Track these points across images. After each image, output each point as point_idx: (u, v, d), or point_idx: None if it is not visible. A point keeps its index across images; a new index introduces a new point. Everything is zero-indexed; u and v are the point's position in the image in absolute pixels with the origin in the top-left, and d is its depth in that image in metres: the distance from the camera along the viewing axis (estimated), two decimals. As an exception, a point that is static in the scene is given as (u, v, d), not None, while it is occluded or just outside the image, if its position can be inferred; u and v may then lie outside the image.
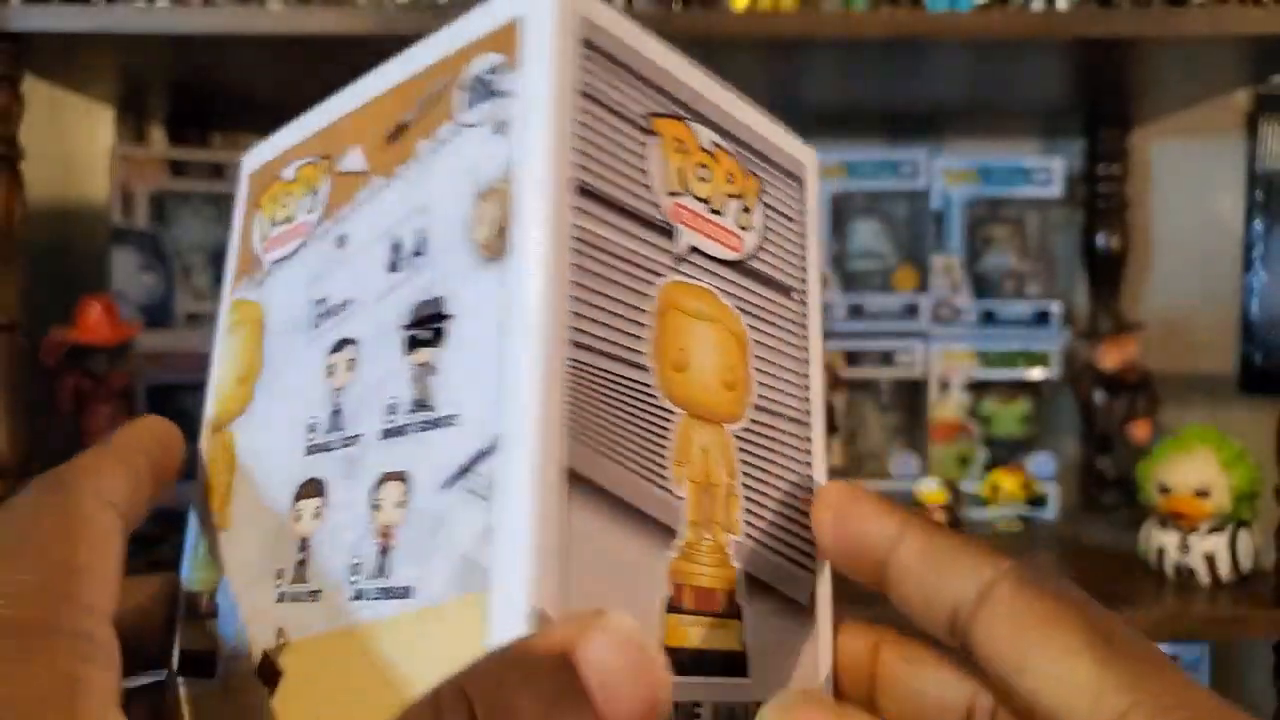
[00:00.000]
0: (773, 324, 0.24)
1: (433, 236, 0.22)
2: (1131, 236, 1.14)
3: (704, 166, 0.23)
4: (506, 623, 0.17)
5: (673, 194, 0.22)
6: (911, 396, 1.12)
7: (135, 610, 0.26)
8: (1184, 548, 0.83)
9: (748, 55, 0.86)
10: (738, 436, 0.22)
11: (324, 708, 0.21)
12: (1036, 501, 1.03)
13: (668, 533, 0.20)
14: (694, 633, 0.20)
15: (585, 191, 0.20)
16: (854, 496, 0.22)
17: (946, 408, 1.09)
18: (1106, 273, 1.14)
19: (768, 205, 0.25)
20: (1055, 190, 1.13)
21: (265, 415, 0.26)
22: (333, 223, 0.25)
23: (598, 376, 0.19)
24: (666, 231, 0.22)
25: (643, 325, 0.21)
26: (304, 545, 0.23)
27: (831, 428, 1.07)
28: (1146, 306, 1.17)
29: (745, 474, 0.22)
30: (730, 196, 0.24)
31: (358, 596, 0.21)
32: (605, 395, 0.19)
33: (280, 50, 0.84)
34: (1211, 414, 1.14)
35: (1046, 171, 1.13)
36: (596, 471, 0.19)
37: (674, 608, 0.20)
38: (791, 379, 0.25)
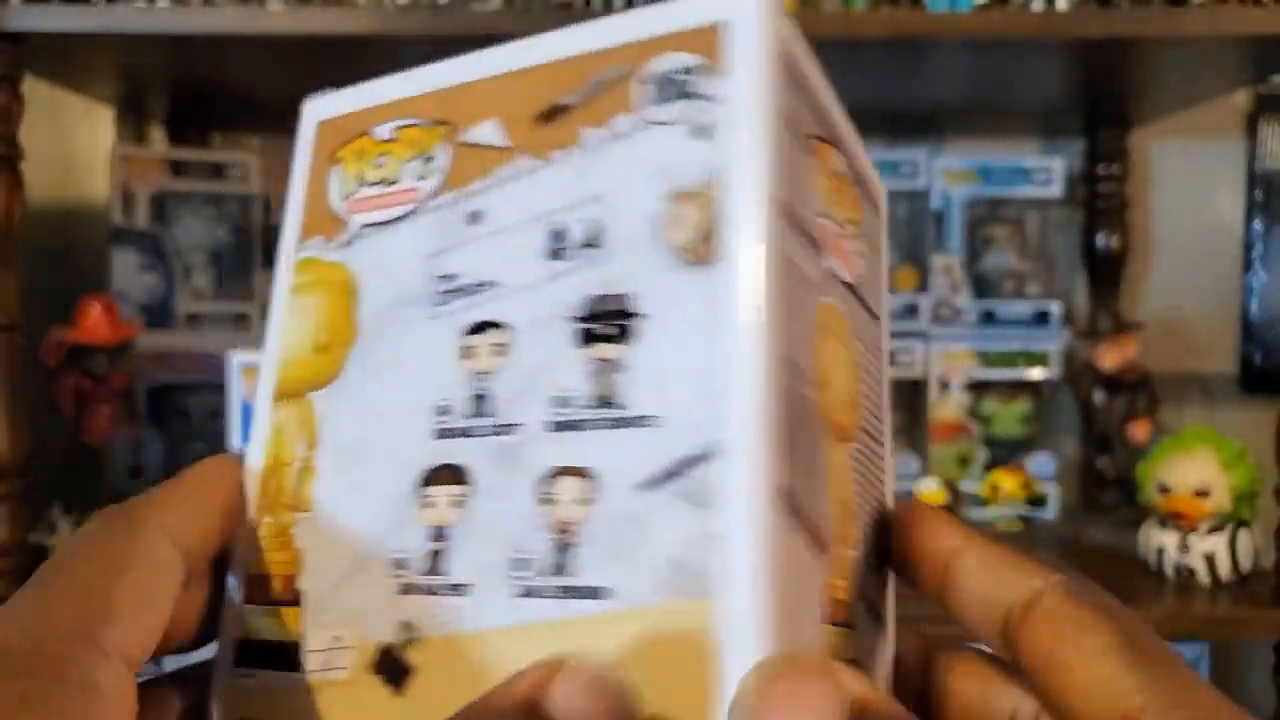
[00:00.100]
0: (866, 347, 0.25)
1: (611, 230, 0.22)
2: (1131, 236, 1.14)
3: (838, 190, 0.24)
4: (736, 631, 0.18)
5: (820, 214, 0.23)
6: (911, 396, 1.12)
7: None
8: (1184, 548, 0.83)
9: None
10: (852, 456, 0.23)
11: None
12: (1036, 501, 1.03)
13: (824, 548, 0.21)
14: (830, 644, 0.21)
15: (782, 206, 0.20)
16: (925, 512, 0.24)
17: (946, 408, 1.09)
18: (1106, 273, 1.14)
19: (864, 232, 0.26)
20: (1055, 190, 1.13)
21: (366, 390, 0.24)
22: (459, 196, 0.24)
23: (790, 391, 0.20)
24: (818, 251, 0.22)
25: (812, 343, 0.21)
26: (440, 535, 0.22)
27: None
28: (1146, 306, 1.17)
29: (856, 492, 0.23)
30: (849, 221, 0.24)
31: (527, 594, 0.20)
32: (794, 410, 0.20)
33: (280, 50, 0.84)
34: (1211, 414, 1.14)
35: (1046, 171, 1.13)
36: (794, 484, 0.19)
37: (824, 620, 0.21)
38: (876, 400, 0.25)
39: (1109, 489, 1.10)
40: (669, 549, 0.19)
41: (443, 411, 0.23)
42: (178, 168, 1.10)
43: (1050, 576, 0.21)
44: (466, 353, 0.23)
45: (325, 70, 0.89)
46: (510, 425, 0.22)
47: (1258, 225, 1.16)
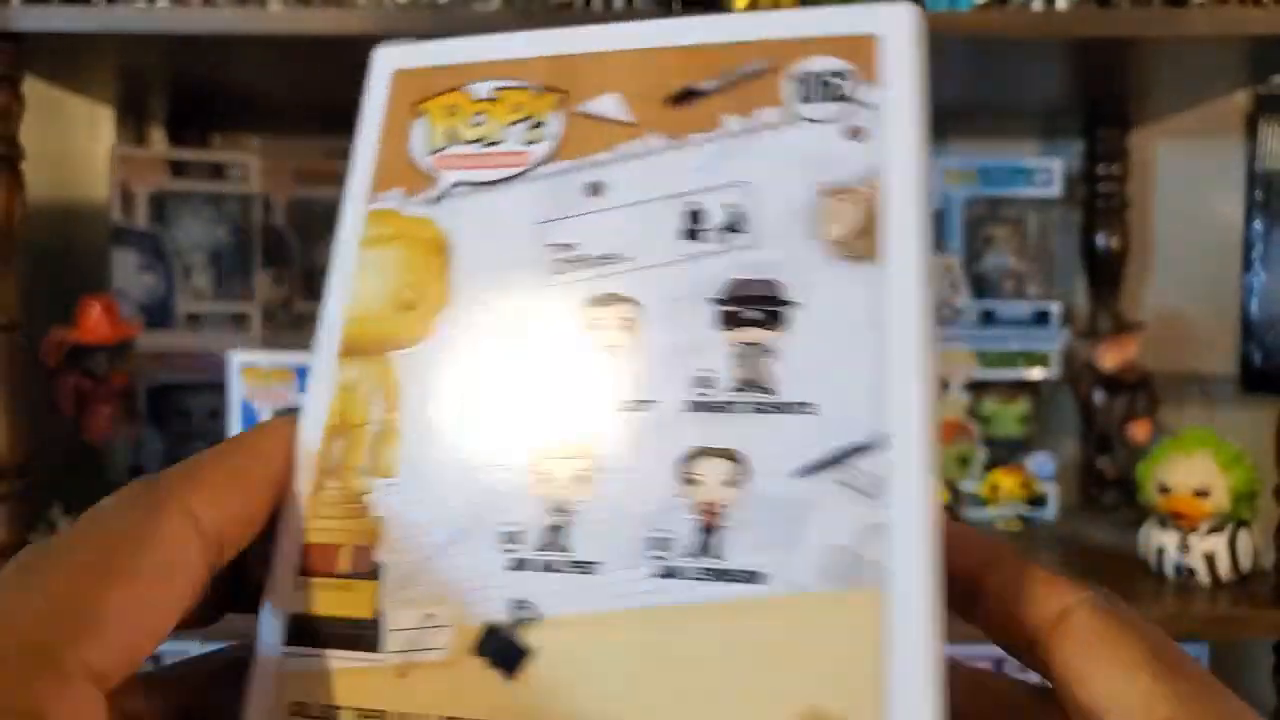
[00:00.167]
0: None
1: (756, 216, 0.22)
2: (1131, 236, 1.14)
3: None
4: (908, 619, 0.18)
5: None
6: (911, 396, 1.12)
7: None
8: (1184, 548, 0.83)
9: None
10: None
11: (613, 691, 0.19)
12: (1036, 501, 1.03)
13: None
14: None
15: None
16: (951, 528, 0.24)
17: (946, 408, 1.09)
18: (1106, 273, 1.14)
19: None
20: (1055, 190, 1.13)
21: (465, 354, 0.23)
22: (576, 165, 0.24)
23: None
24: None
25: None
26: (560, 509, 0.21)
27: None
28: (1146, 306, 1.17)
29: None
30: None
31: (667, 574, 0.20)
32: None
33: (280, 50, 0.84)
34: (1211, 414, 1.14)
35: (1046, 171, 1.13)
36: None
37: None
38: None
39: (1109, 489, 1.10)
40: (832, 536, 0.19)
41: (561, 382, 0.22)
42: (178, 168, 1.10)
43: (1080, 592, 0.21)
44: (590, 324, 0.22)
45: (325, 70, 0.89)
46: (643, 402, 0.21)
47: (1258, 225, 1.16)
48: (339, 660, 0.21)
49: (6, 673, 0.16)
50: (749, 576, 0.20)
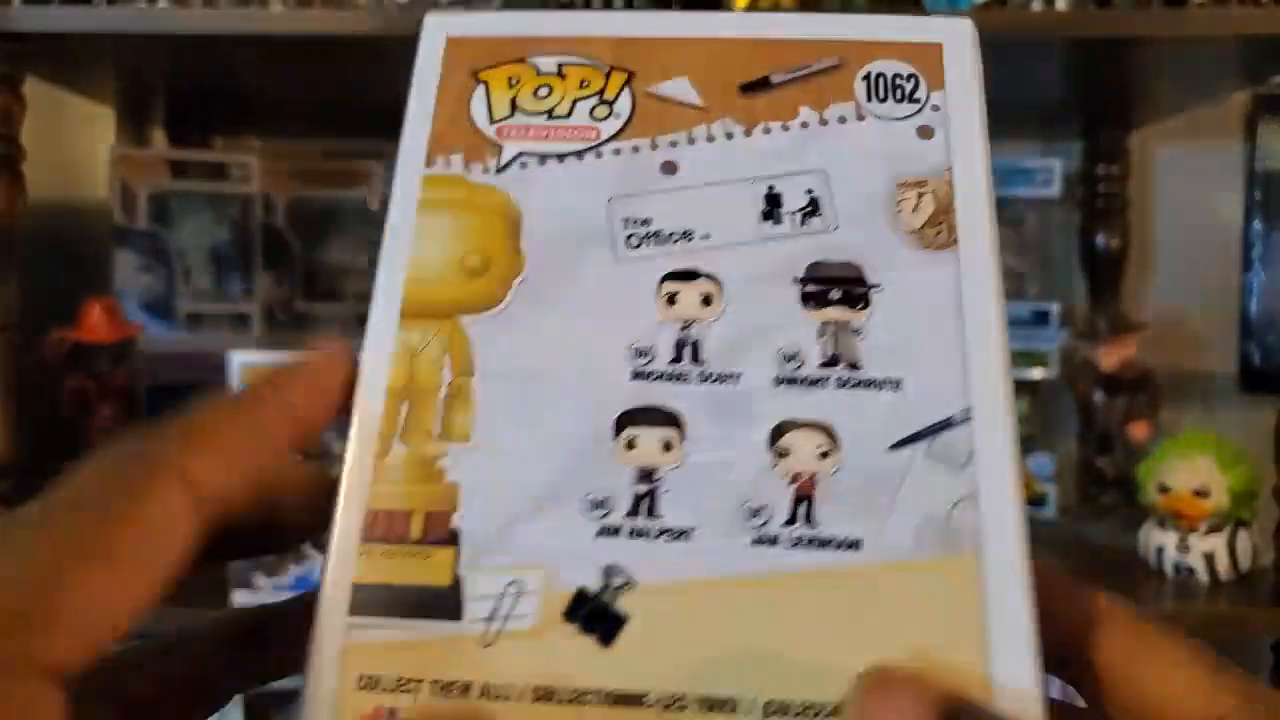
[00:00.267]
0: None
1: (834, 203, 0.24)
2: (1131, 236, 1.14)
3: None
4: (1003, 581, 0.20)
5: None
6: (911, 396, 1.12)
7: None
8: (1183, 547, 0.83)
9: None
10: None
11: (715, 656, 0.19)
12: (1036, 501, 1.03)
13: None
14: None
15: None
16: None
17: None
18: (1106, 273, 1.14)
19: None
20: (1054, 190, 1.13)
21: (540, 323, 0.23)
22: (649, 143, 0.25)
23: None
24: None
25: None
26: (647, 476, 0.21)
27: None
28: (1146, 306, 1.17)
29: None
30: None
31: (763, 541, 0.20)
32: None
33: (280, 50, 0.84)
34: (1211, 414, 1.14)
35: (1046, 172, 1.13)
36: None
37: None
38: None
39: (1109, 489, 1.10)
40: (925, 506, 0.20)
41: (641, 354, 0.23)
42: (178, 168, 1.10)
43: (1111, 601, 0.21)
44: (669, 298, 0.23)
45: (325, 70, 0.89)
46: (728, 375, 0.22)
47: (1257, 225, 1.16)
48: (413, 630, 0.20)
49: None
50: (847, 544, 0.20)
